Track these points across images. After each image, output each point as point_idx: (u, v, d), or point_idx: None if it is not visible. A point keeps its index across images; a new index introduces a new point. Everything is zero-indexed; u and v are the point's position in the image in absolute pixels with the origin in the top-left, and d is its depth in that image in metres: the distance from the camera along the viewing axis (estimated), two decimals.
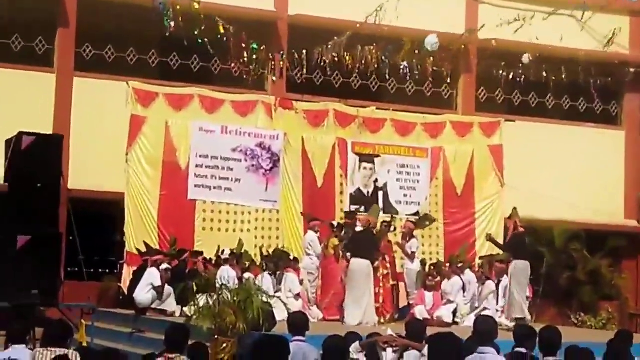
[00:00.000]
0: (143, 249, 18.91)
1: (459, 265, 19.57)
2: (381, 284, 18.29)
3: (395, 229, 19.76)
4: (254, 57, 21.68)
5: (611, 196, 24.96)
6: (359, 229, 18.18)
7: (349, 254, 17.65)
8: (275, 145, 20.84)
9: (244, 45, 21.45)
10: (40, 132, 16.27)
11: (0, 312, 14.83)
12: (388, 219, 19.93)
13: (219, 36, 21.10)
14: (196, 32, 20.79)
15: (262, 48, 21.70)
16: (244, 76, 21.98)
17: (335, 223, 18.99)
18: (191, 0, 20.82)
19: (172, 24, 20.49)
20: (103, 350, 11.50)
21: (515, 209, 19.75)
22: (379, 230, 18.86)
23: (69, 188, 18.01)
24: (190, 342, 9.35)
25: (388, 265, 18.65)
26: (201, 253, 19.06)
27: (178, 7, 20.69)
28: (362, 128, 21.75)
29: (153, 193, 19.85)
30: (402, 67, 22.86)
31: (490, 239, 19.21)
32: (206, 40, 21.02)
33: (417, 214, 20.87)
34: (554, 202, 23.03)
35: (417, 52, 22.82)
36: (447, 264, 19.77)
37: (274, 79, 22.15)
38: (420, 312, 18.38)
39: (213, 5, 21.05)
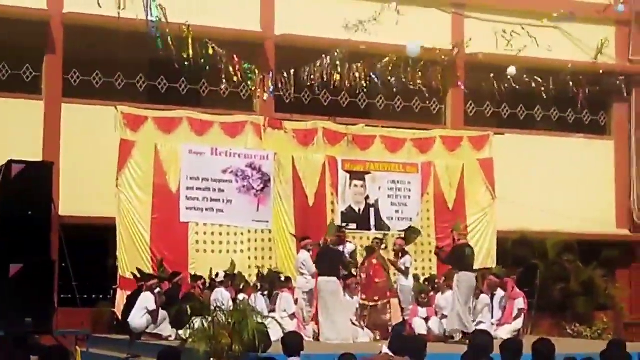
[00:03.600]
0: (137, 274, 18.85)
1: None
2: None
3: (386, 246, 19.77)
4: (249, 76, 21.70)
5: (602, 206, 25.01)
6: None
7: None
8: (266, 165, 20.85)
9: (234, 66, 21.45)
10: (29, 159, 16.23)
11: None
12: (380, 236, 19.96)
13: (208, 58, 21.11)
14: (185, 55, 20.82)
15: (252, 68, 21.72)
16: (240, 97, 22.03)
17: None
18: (180, 23, 20.87)
19: (164, 45, 20.52)
20: None
21: (458, 223, 19.75)
22: (369, 246, 18.98)
23: (61, 215, 17.96)
24: None
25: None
26: (200, 277, 19.02)
27: (167, 30, 20.74)
28: (352, 145, 21.78)
29: (145, 217, 19.83)
30: (391, 81, 22.90)
31: (437, 253, 19.16)
32: (200, 61, 21.03)
33: (407, 229, 20.85)
34: (545, 214, 23.07)
35: (404, 67, 22.89)
36: (443, 278, 19.72)
37: (265, 97, 22.14)
38: (418, 324, 18.34)
39: (200, 27, 21.09)
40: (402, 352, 10.20)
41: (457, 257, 17.57)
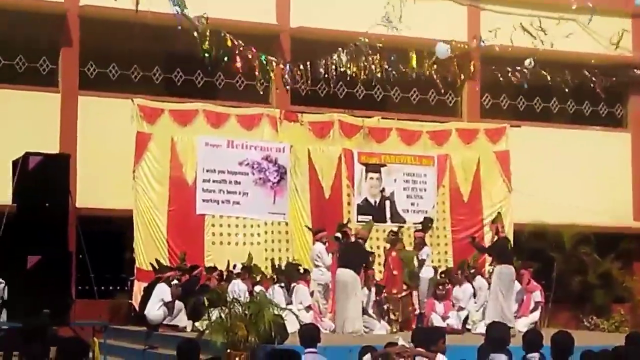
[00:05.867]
0: (155, 266, 18.92)
1: (472, 271, 19.57)
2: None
3: (402, 238, 19.76)
4: (267, 69, 21.68)
5: (619, 198, 24.93)
6: (352, 240, 18.29)
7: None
8: (282, 157, 20.85)
9: (252, 58, 21.44)
10: (46, 152, 16.28)
11: (13, 332, 14.84)
12: (395, 229, 19.94)
13: (226, 50, 21.09)
14: (204, 47, 20.81)
15: (270, 60, 21.71)
16: (255, 89, 22.04)
17: (340, 235, 18.99)
18: (198, 16, 20.86)
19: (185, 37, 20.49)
20: None
21: (499, 213, 19.81)
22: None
23: (78, 207, 18.00)
24: (205, 357, 9.34)
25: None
26: (215, 269, 19.07)
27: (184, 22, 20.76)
28: (368, 138, 21.76)
29: (161, 209, 19.87)
30: (407, 74, 22.85)
31: (473, 242, 19.20)
32: (218, 54, 21.02)
33: (423, 220, 20.87)
34: (562, 206, 23.00)
35: (420, 59, 22.84)
36: (458, 271, 19.75)
37: (288, 88, 22.12)
38: (436, 320, 18.36)
39: (216, 20, 21.05)
40: (421, 343, 10.24)
41: (500, 250, 17.64)
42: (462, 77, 23.91)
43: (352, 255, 17.65)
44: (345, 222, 19.98)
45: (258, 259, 19.60)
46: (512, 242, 18.74)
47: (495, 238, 18.07)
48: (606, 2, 24.70)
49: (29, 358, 9.93)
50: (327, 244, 18.84)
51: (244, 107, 21.48)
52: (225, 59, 21.00)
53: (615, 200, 24.62)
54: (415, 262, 19.30)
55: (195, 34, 19.46)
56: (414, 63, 22.67)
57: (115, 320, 19.42)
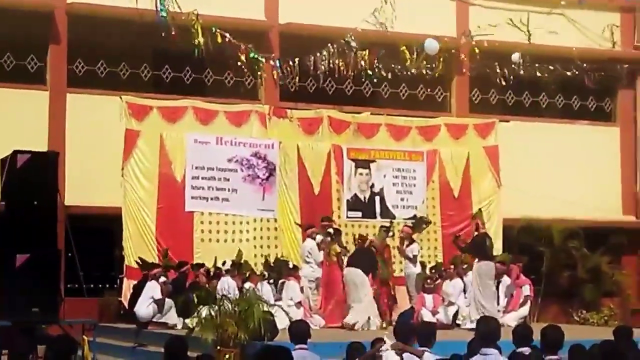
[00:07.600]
0: (139, 262, 18.89)
1: (464, 267, 19.58)
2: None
3: (393, 234, 19.77)
4: (256, 66, 21.68)
5: (608, 193, 24.96)
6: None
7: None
8: (271, 154, 20.83)
9: (242, 55, 21.43)
10: (35, 150, 16.23)
11: (1, 330, 14.80)
12: (387, 224, 19.95)
13: (217, 47, 21.08)
14: (196, 43, 20.79)
15: (259, 57, 21.70)
16: (244, 85, 22.02)
17: (331, 230, 19.02)
18: (187, 12, 20.83)
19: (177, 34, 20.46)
20: None
21: (480, 210, 19.85)
22: (378, 235, 19.04)
23: (66, 204, 17.95)
24: (196, 355, 9.33)
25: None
26: (202, 265, 19.06)
27: (173, 18, 20.75)
28: (357, 134, 21.76)
29: (150, 206, 19.84)
30: (396, 69, 22.87)
31: (455, 241, 19.24)
32: (209, 50, 21.02)
33: (414, 217, 20.90)
34: (551, 201, 23.03)
35: (409, 55, 22.85)
36: (452, 266, 19.75)
37: (281, 82, 22.10)
38: (426, 315, 18.38)
39: (206, 17, 21.05)
40: (411, 338, 10.27)
41: (478, 247, 17.70)
42: (451, 72, 23.93)
43: (362, 259, 17.85)
44: (330, 216, 20.07)
45: (247, 255, 19.60)
46: (492, 238, 18.73)
47: (475, 234, 18.10)
48: None
49: (14, 356, 9.89)
50: (321, 241, 18.86)
51: (233, 103, 21.45)
52: (225, 56, 21.06)
53: (604, 195, 24.65)
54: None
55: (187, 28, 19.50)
56: (407, 58, 22.72)
57: (105, 318, 19.39)
